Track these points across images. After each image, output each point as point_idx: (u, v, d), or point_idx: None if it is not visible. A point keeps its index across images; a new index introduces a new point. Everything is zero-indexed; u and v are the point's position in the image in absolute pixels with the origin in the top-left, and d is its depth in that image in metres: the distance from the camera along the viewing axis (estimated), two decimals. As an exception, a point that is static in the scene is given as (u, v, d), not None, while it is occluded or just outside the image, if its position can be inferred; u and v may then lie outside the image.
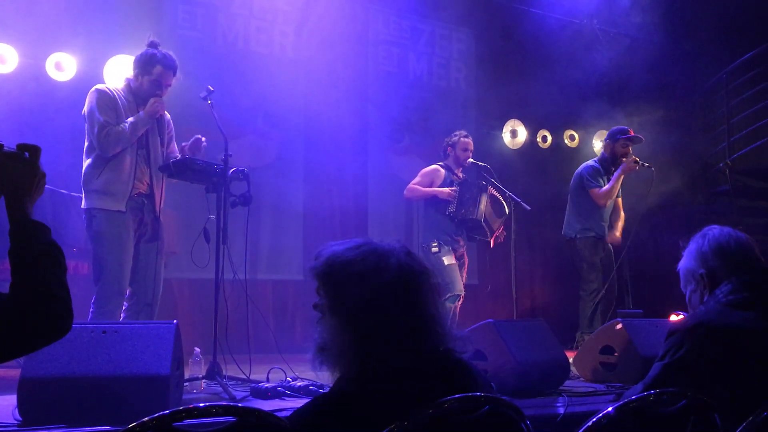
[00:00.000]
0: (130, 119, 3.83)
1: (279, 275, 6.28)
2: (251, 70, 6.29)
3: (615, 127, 5.90)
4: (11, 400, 2.73)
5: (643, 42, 7.79)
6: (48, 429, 2.53)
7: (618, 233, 5.90)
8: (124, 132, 3.78)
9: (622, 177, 5.68)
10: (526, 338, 3.69)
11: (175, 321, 2.97)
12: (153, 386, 2.71)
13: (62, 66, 5.56)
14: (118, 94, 3.90)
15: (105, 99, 3.83)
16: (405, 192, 5.48)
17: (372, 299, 1.49)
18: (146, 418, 1.18)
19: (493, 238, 5.49)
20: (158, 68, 3.90)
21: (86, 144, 3.89)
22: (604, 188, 5.66)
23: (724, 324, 2.01)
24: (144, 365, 2.74)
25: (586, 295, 5.75)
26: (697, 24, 7.89)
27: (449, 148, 5.52)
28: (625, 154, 5.68)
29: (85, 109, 3.84)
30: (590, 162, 5.90)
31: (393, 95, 6.96)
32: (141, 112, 3.88)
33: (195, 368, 3.73)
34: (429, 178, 5.42)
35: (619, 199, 5.97)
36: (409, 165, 5.69)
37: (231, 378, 3.75)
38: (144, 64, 3.92)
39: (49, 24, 5.44)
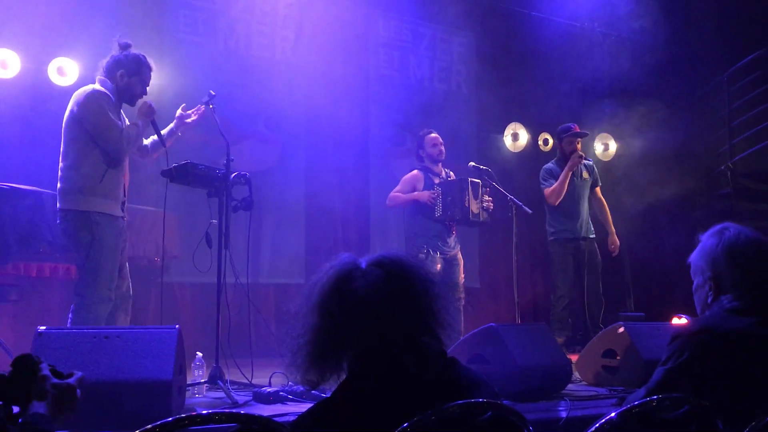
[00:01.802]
0: (139, 123, 3.89)
1: (281, 279, 6.27)
2: (252, 74, 6.29)
3: (561, 126, 5.91)
4: (13, 405, 2.73)
5: (644, 45, 7.79)
6: (50, 434, 2.53)
7: (614, 236, 5.84)
8: (138, 136, 3.87)
9: (570, 174, 5.65)
10: (528, 342, 3.69)
11: (177, 326, 2.98)
12: (155, 391, 2.72)
13: (64, 71, 5.55)
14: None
15: (109, 102, 3.82)
16: (387, 201, 5.50)
17: (365, 306, 1.50)
18: (149, 426, 1.18)
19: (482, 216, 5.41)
20: (145, 69, 3.93)
21: (76, 147, 3.79)
22: (551, 187, 5.66)
23: (727, 329, 2.01)
24: (146, 370, 2.75)
25: (555, 299, 5.77)
26: (698, 27, 7.89)
27: (419, 149, 5.53)
28: (573, 151, 5.68)
29: (91, 112, 3.75)
30: (548, 163, 5.91)
31: (394, 98, 6.95)
32: (140, 120, 3.91)
33: (197, 373, 3.73)
34: (410, 184, 5.42)
35: (597, 189, 5.93)
36: (410, 168, 5.67)
37: (233, 382, 3.74)
38: (134, 65, 3.90)
39: (51, 29, 5.44)
